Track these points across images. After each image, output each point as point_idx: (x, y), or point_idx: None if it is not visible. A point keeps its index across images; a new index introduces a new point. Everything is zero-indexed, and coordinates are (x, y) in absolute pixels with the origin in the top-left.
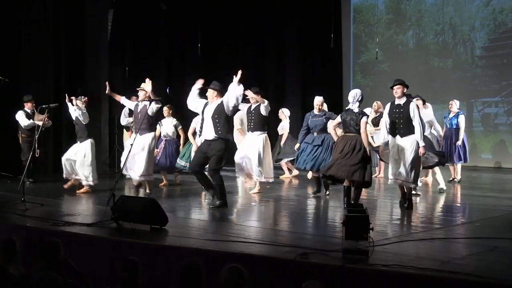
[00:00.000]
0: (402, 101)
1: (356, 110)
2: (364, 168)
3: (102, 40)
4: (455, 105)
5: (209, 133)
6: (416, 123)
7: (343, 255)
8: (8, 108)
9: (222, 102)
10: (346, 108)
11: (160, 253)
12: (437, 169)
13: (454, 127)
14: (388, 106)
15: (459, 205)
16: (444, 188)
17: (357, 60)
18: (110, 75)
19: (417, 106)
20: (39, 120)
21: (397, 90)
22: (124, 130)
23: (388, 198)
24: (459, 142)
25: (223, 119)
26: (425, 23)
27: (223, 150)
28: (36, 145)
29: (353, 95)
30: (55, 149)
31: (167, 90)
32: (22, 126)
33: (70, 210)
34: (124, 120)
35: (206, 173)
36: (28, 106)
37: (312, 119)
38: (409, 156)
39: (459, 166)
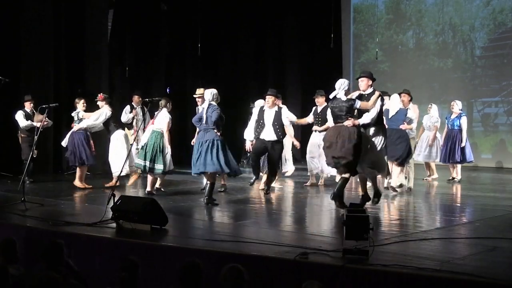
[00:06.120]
0: (367, 92)
1: (344, 98)
2: (355, 156)
3: (102, 40)
4: (456, 106)
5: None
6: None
7: (343, 255)
8: (8, 108)
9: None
10: (333, 97)
11: (160, 253)
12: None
13: (456, 128)
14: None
15: (459, 205)
16: (400, 188)
17: (357, 60)
18: (110, 75)
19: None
20: (38, 121)
21: (361, 83)
22: (126, 129)
23: (388, 198)
24: (463, 144)
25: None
26: (425, 23)
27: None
28: (34, 146)
29: (341, 82)
30: (55, 149)
31: (167, 90)
32: (21, 126)
33: (70, 210)
34: (125, 117)
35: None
36: (27, 106)
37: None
38: (375, 146)
39: (459, 166)
